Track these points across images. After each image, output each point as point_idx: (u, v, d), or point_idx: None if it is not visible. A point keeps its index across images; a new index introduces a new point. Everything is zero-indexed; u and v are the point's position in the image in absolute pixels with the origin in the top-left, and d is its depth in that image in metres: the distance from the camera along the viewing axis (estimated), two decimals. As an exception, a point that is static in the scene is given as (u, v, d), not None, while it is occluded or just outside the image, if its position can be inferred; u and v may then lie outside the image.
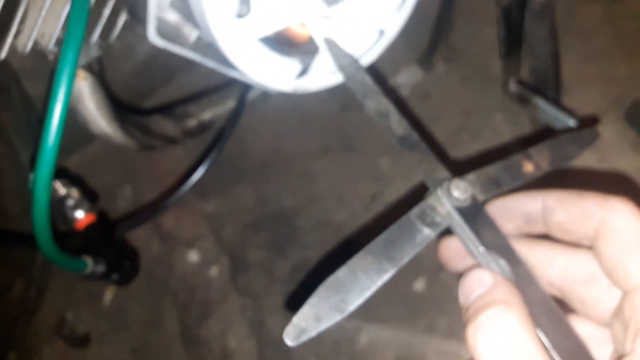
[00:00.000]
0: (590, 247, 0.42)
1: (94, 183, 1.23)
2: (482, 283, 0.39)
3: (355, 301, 0.39)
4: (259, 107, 1.17)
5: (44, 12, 0.66)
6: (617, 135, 1.06)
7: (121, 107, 0.90)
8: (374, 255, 0.40)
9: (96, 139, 0.88)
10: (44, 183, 0.67)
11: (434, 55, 1.17)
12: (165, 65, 1.07)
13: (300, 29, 0.67)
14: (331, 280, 0.39)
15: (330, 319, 0.38)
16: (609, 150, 1.06)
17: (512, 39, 0.89)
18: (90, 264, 0.87)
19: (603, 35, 1.15)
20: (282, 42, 0.69)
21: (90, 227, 0.89)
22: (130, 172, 1.28)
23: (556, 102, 0.98)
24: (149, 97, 1.17)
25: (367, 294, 0.39)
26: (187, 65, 0.73)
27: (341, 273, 0.40)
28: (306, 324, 0.37)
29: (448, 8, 1.09)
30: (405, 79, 1.23)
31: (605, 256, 0.40)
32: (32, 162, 0.67)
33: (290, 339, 0.37)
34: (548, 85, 0.96)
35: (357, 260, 0.40)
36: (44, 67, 0.75)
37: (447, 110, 1.20)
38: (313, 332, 0.38)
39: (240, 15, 0.61)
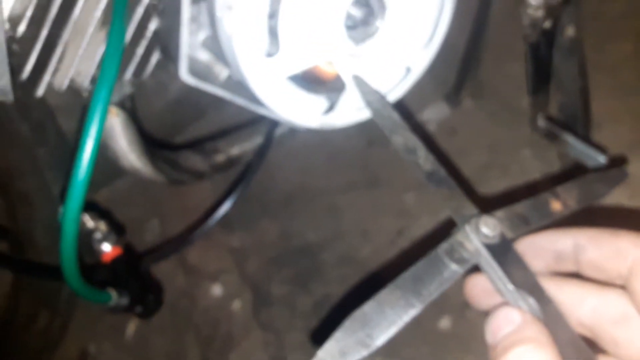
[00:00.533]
0: (622, 286, 0.42)
1: (122, 216, 1.24)
2: (510, 321, 0.39)
3: (382, 336, 0.38)
4: (286, 142, 1.18)
5: (80, 52, 0.69)
6: (648, 172, 1.04)
7: (151, 143, 0.91)
8: (402, 290, 0.40)
9: (126, 173, 0.89)
10: (73, 216, 0.68)
11: (462, 91, 1.18)
12: (196, 102, 1.09)
13: (327, 67, 0.68)
14: (357, 314, 0.39)
15: (356, 354, 0.37)
16: (639, 187, 1.04)
17: (541, 75, 0.89)
18: (114, 296, 0.88)
19: (632, 70, 1.14)
20: (310, 80, 0.70)
21: (116, 261, 0.89)
22: (158, 206, 1.30)
23: (586, 138, 0.97)
24: (180, 132, 1.19)
25: (394, 329, 0.39)
26: (217, 102, 0.74)
27: (368, 307, 0.39)
28: (331, 359, 0.37)
29: (475, 44, 1.10)
30: (433, 115, 1.23)
31: None
32: (62, 195, 0.68)
33: None
34: (577, 121, 0.95)
35: (385, 295, 0.40)
36: (78, 104, 0.77)
37: (474, 146, 1.20)
38: None
39: (269, 55, 0.62)
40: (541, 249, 0.46)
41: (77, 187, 0.66)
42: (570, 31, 0.85)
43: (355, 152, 1.23)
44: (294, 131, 1.11)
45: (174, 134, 1.16)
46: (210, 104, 1.11)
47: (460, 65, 1.15)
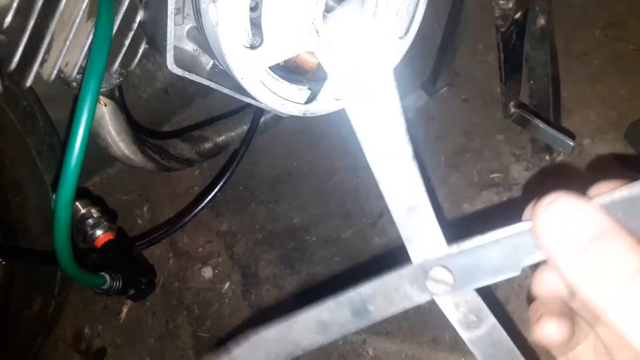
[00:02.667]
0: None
1: (114, 202, 1.27)
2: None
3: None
4: (272, 129, 1.20)
5: (68, 43, 0.70)
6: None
7: (140, 131, 0.94)
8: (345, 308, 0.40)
9: (117, 161, 0.91)
10: (66, 203, 0.70)
11: (438, 80, 1.20)
12: (184, 91, 1.11)
13: (309, 57, 0.71)
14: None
15: None
16: (609, 170, 1.08)
17: (512, 64, 0.92)
18: (108, 280, 0.90)
19: (602, 57, 1.17)
20: (293, 70, 0.72)
21: (108, 245, 0.92)
22: (148, 192, 1.33)
23: (557, 123, 1.01)
24: (168, 121, 1.21)
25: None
26: (204, 90, 0.76)
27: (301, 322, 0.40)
28: None
29: (451, 35, 1.12)
30: (411, 102, 1.26)
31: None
32: (55, 183, 0.70)
33: None
34: (548, 107, 0.98)
35: (323, 310, 0.40)
36: (67, 94, 0.78)
37: (450, 132, 1.23)
38: None
39: (253, 45, 0.64)
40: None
41: (69, 174, 0.68)
42: (541, 20, 0.88)
43: (338, 138, 1.25)
44: (279, 118, 1.14)
45: (163, 122, 1.18)
46: (197, 92, 1.13)
47: (437, 55, 1.17)
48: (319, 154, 1.27)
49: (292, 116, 0.73)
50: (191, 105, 1.19)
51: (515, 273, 0.36)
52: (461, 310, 0.39)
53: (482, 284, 0.38)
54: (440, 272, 0.38)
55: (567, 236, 0.32)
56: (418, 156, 0.40)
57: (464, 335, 0.39)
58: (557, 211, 0.32)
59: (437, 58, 1.16)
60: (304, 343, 0.39)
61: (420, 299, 0.39)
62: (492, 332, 0.39)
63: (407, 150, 0.38)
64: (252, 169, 1.28)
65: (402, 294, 0.39)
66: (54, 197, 0.71)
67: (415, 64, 1.19)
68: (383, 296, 0.39)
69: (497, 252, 0.36)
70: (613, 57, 1.16)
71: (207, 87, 0.74)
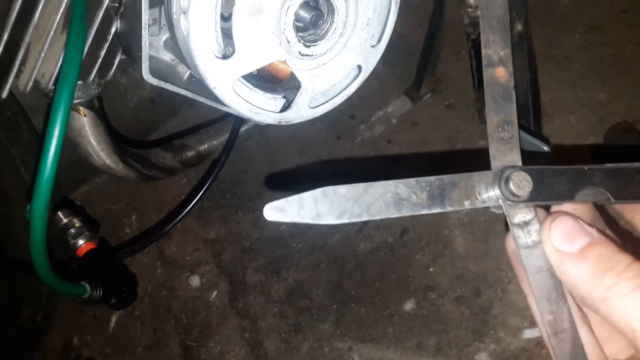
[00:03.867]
0: None
1: (102, 211, 1.28)
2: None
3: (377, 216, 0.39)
4: (257, 137, 1.20)
5: (43, 54, 0.70)
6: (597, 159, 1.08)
7: (123, 141, 0.94)
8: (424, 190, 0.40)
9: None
10: (40, 213, 0.70)
11: (421, 86, 1.21)
12: (170, 100, 1.11)
13: (283, 66, 0.71)
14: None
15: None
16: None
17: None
18: (88, 289, 0.90)
19: (582, 62, 1.18)
20: (267, 79, 0.73)
21: (90, 254, 0.92)
22: (137, 201, 1.33)
23: (537, 129, 1.00)
24: (156, 129, 1.22)
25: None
26: (191, 99, 0.76)
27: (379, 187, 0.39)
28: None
29: (433, 42, 1.13)
30: (395, 109, 1.26)
31: None
32: (29, 193, 0.71)
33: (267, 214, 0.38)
34: (528, 113, 0.98)
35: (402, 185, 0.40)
36: (48, 104, 0.79)
37: (433, 137, 1.23)
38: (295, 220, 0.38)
39: (225, 54, 0.65)
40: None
41: (42, 185, 0.68)
42: (518, 26, 0.88)
43: (324, 145, 1.26)
44: (261, 127, 1.14)
45: (150, 131, 1.19)
46: (184, 101, 1.14)
47: (420, 61, 1.18)
48: (306, 161, 1.28)
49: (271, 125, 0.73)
50: (178, 114, 1.20)
51: (571, 201, 0.41)
52: (524, 227, 0.42)
53: (548, 203, 0.42)
54: (522, 175, 0.41)
55: (567, 242, 0.39)
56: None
57: (519, 247, 0.41)
58: (558, 225, 0.39)
59: (419, 64, 1.16)
60: (374, 209, 0.40)
61: (491, 201, 0.41)
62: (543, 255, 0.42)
63: (511, 80, 0.44)
64: (238, 176, 1.29)
65: (477, 193, 0.41)
66: (28, 207, 0.72)
67: (399, 70, 1.20)
68: (460, 190, 0.41)
69: (563, 180, 0.42)
70: (593, 62, 1.16)
71: (191, 96, 0.75)
